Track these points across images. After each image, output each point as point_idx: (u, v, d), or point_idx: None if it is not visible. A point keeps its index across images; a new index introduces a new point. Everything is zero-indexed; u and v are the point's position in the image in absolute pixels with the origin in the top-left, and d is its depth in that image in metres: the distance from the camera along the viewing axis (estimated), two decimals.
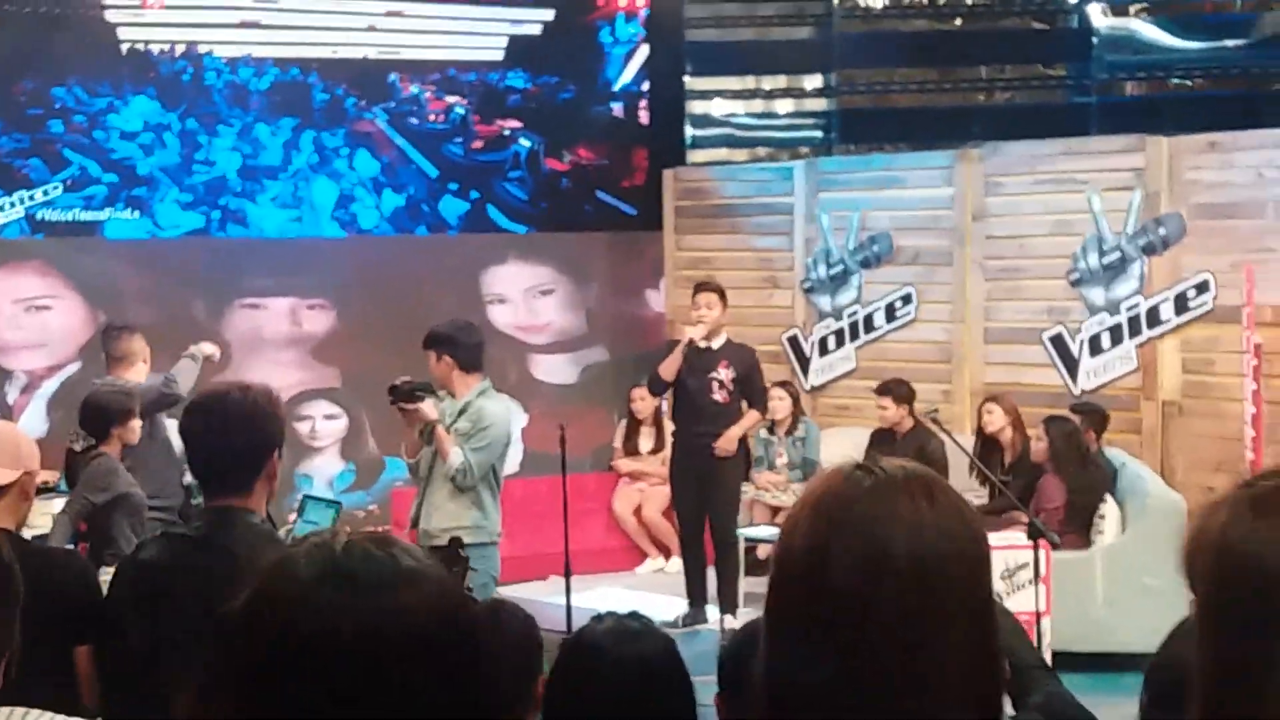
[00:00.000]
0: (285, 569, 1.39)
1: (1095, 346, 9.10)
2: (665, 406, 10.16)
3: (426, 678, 1.36)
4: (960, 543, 1.49)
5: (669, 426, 9.85)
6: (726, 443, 8.18)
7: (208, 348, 7.45)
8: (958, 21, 12.10)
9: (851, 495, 1.51)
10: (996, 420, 8.54)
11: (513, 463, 10.70)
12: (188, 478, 7.51)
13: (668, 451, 9.74)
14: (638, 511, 9.90)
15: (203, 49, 10.34)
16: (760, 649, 1.54)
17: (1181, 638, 2.29)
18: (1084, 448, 7.85)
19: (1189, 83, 11.70)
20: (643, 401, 9.89)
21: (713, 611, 8.32)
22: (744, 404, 8.36)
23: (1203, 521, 1.52)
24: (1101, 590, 7.37)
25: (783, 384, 9.70)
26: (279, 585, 1.39)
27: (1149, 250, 8.92)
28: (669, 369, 8.18)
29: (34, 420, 9.30)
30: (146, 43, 10.20)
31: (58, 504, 6.21)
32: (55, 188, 9.93)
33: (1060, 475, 7.70)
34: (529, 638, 3.10)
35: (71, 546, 5.62)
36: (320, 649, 1.34)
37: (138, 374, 7.14)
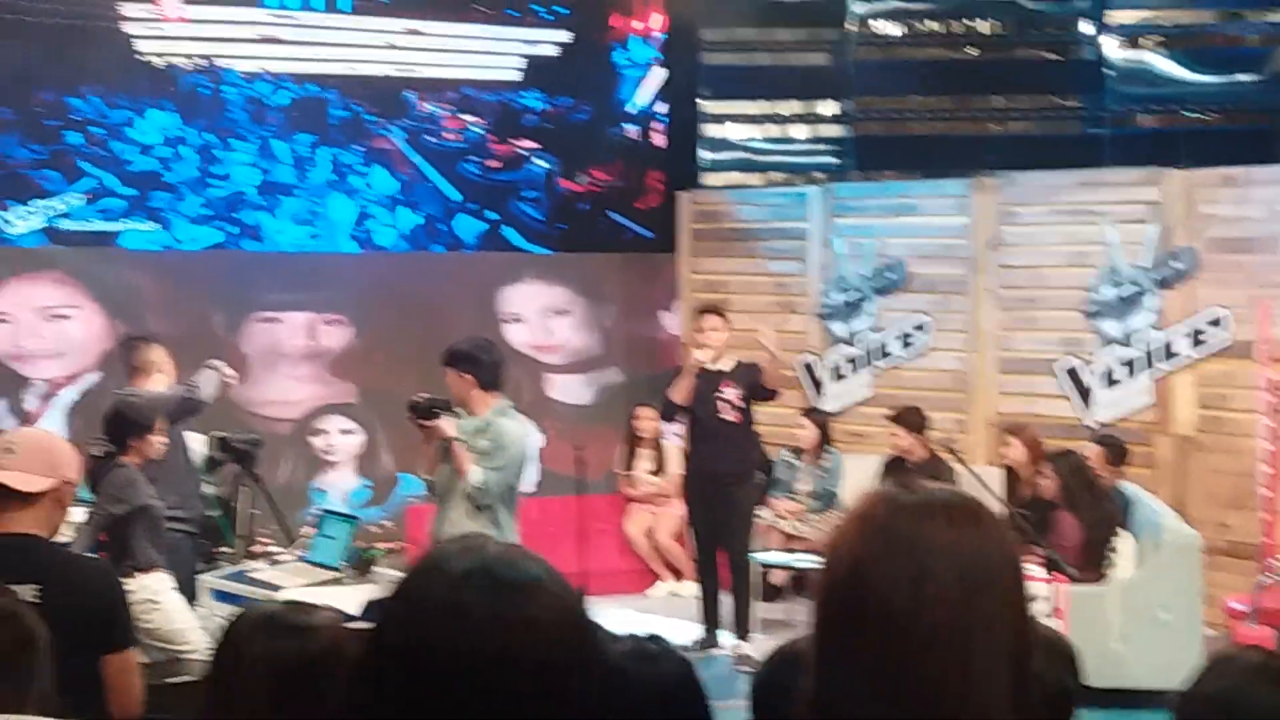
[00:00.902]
0: (436, 563, 1.44)
1: (1110, 379, 9.11)
2: (673, 430, 10.19)
3: (550, 686, 1.40)
4: (1002, 566, 1.52)
5: (671, 448, 9.88)
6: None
7: (227, 369, 7.46)
8: (973, 51, 12.13)
9: (896, 516, 1.54)
10: (1014, 453, 8.52)
11: (528, 482, 10.74)
12: (208, 489, 7.54)
13: (671, 472, 9.76)
14: (650, 534, 9.90)
15: (221, 63, 10.39)
16: (810, 661, 1.57)
17: (1214, 674, 2.31)
18: (1093, 482, 7.81)
19: (1203, 116, 11.73)
20: (648, 421, 9.90)
21: (726, 636, 8.30)
22: (754, 430, 8.35)
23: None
24: (1117, 625, 7.36)
25: (809, 412, 9.70)
26: (426, 578, 1.43)
27: (1164, 284, 8.93)
28: (680, 393, 8.18)
29: (52, 429, 9.29)
30: (165, 56, 10.24)
31: (79, 513, 6.22)
32: (74, 198, 9.96)
33: (1073, 512, 7.67)
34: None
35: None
36: (458, 647, 1.38)
37: (156, 384, 7.14)
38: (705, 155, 11.86)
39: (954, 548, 1.50)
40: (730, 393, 8.19)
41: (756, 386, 8.20)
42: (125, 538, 6.03)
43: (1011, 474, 8.61)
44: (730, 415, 8.17)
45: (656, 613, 8.68)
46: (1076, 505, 7.66)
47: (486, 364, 6.42)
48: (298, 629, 2.50)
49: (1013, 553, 1.56)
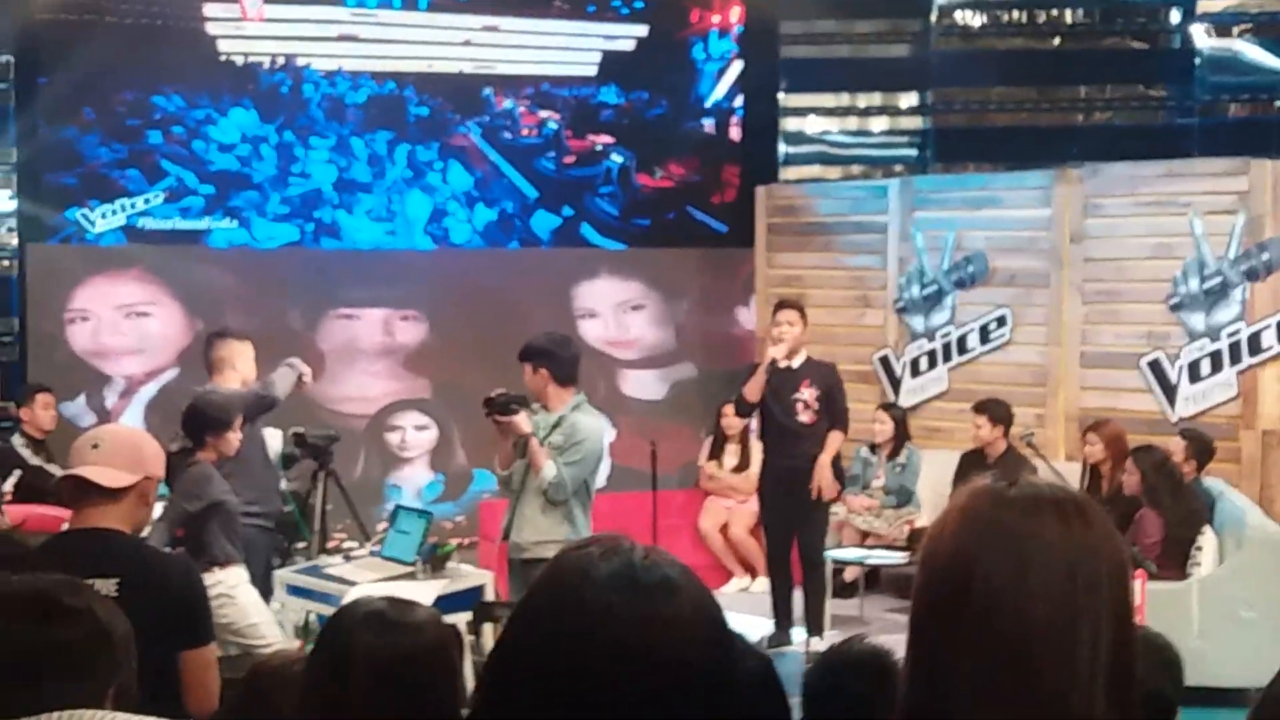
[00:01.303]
0: (581, 564, 1.47)
1: (1194, 373, 8.94)
2: (754, 425, 10.13)
3: (689, 686, 1.44)
4: (1108, 564, 1.51)
5: (755, 446, 9.82)
6: (825, 482, 8.05)
7: (304, 367, 7.51)
8: (1057, 41, 11.96)
9: (1001, 510, 1.53)
10: (1096, 451, 8.39)
11: (601, 477, 10.73)
12: (284, 484, 7.61)
13: (753, 470, 9.71)
14: (724, 530, 9.85)
15: (301, 62, 10.48)
16: (905, 651, 1.57)
17: None
18: (1177, 477, 7.67)
19: None
20: (733, 418, 9.86)
21: (798, 633, 8.24)
22: (829, 426, 8.27)
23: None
24: (1197, 622, 7.22)
25: (886, 407, 9.61)
26: (572, 579, 1.46)
27: (1251, 275, 8.75)
28: (754, 390, 8.11)
29: (132, 425, 9.44)
30: (245, 55, 10.35)
31: (157, 509, 6.29)
32: (155, 197, 10.10)
33: (1156, 508, 7.53)
34: None
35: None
36: (602, 648, 1.42)
37: (228, 380, 7.19)
38: (783, 149, 11.79)
39: (1060, 543, 1.49)
40: (808, 393, 8.12)
41: (834, 400, 8.13)
42: (201, 533, 6.10)
43: (1093, 470, 8.48)
44: (806, 416, 8.10)
45: (729, 609, 8.60)
46: (1160, 502, 7.52)
47: (563, 359, 6.42)
48: (405, 626, 2.53)
49: (1120, 551, 1.55)
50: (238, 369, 7.25)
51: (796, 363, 8.16)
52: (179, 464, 6.16)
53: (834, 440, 8.20)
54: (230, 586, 6.05)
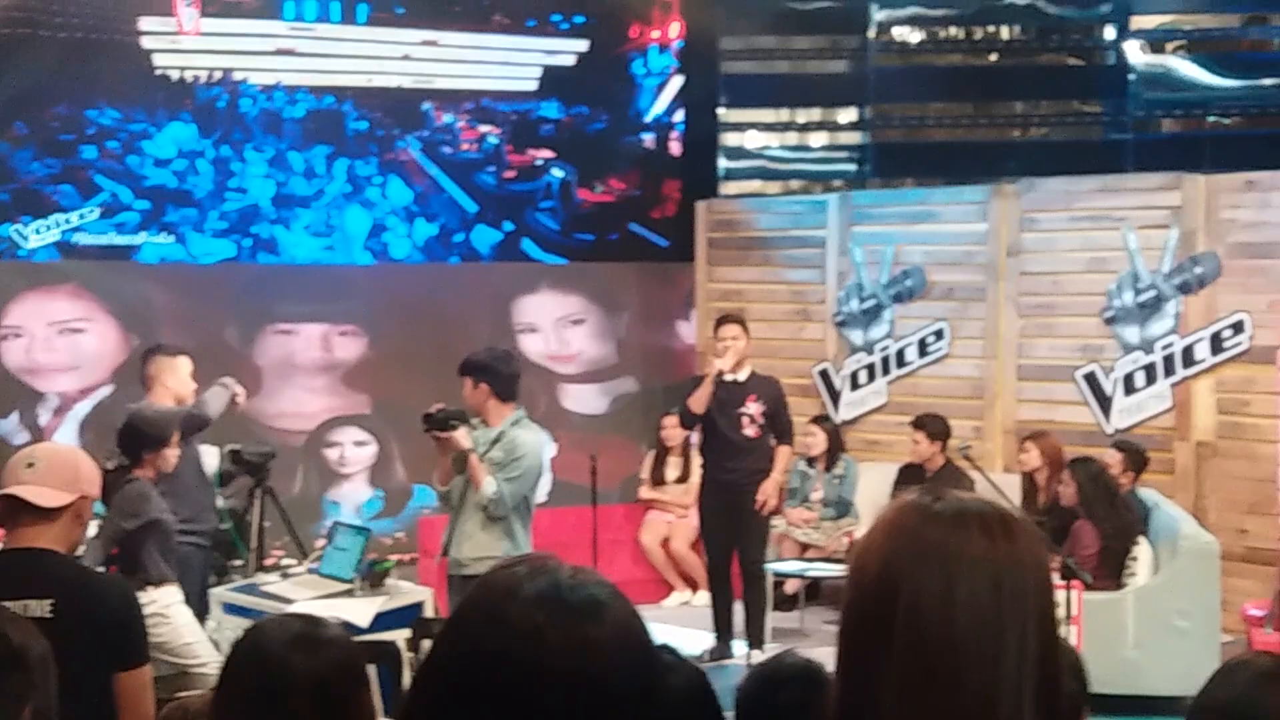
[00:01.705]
0: (508, 583, 1.45)
1: (1129, 385, 9.03)
2: (694, 439, 10.14)
3: (616, 707, 1.42)
4: (1034, 577, 1.52)
5: (696, 458, 9.83)
6: (770, 498, 8.18)
7: (238, 387, 7.46)
8: (993, 57, 12.08)
9: (928, 524, 1.53)
10: (1032, 460, 8.48)
11: (541, 493, 10.71)
12: (220, 501, 7.54)
13: (693, 482, 9.72)
14: (665, 543, 9.86)
15: (238, 76, 10.40)
16: (835, 664, 1.58)
17: (1224, 681, 2.27)
18: (1112, 489, 7.74)
19: (1226, 121, 11.65)
20: (673, 430, 9.87)
21: (739, 646, 8.25)
22: (772, 439, 8.30)
23: (1207, 685, 1.54)
24: (1132, 632, 7.29)
25: (818, 419, 9.65)
26: (498, 598, 1.45)
27: (1185, 289, 8.86)
28: (699, 402, 8.14)
29: (65, 443, 9.32)
30: (182, 69, 10.26)
31: (92, 527, 6.22)
32: (89, 212, 9.98)
33: (1092, 519, 7.60)
34: None
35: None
36: (530, 668, 1.40)
37: (161, 397, 7.15)
38: (723, 164, 11.84)
39: (985, 557, 1.50)
40: (754, 408, 8.16)
41: (779, 416, 8.18)
42: (136, 552, 6.05)
43: (1030, 481, 8.56)
44: (750, 430, 8.15)
45: (670, 623, 8.63)
46: (1095, 513, 7.58)
47: (503, 374, 6.41)
48: (332, 641, 2.54)
49: (1044, 562, 1.56)
50: (169, 386, 7.20)
51: (742, 376, 8.19)
52: (115, 482, 6.10)
53: (783, 455, 8.28)
54: (164, 606, 6.00)
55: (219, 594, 6.95)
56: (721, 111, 11.76)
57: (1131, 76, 11.51)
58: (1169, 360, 8.89)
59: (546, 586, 1.44)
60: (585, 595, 1.44)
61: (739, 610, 8.31)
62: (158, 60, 10.18)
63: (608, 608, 1.45)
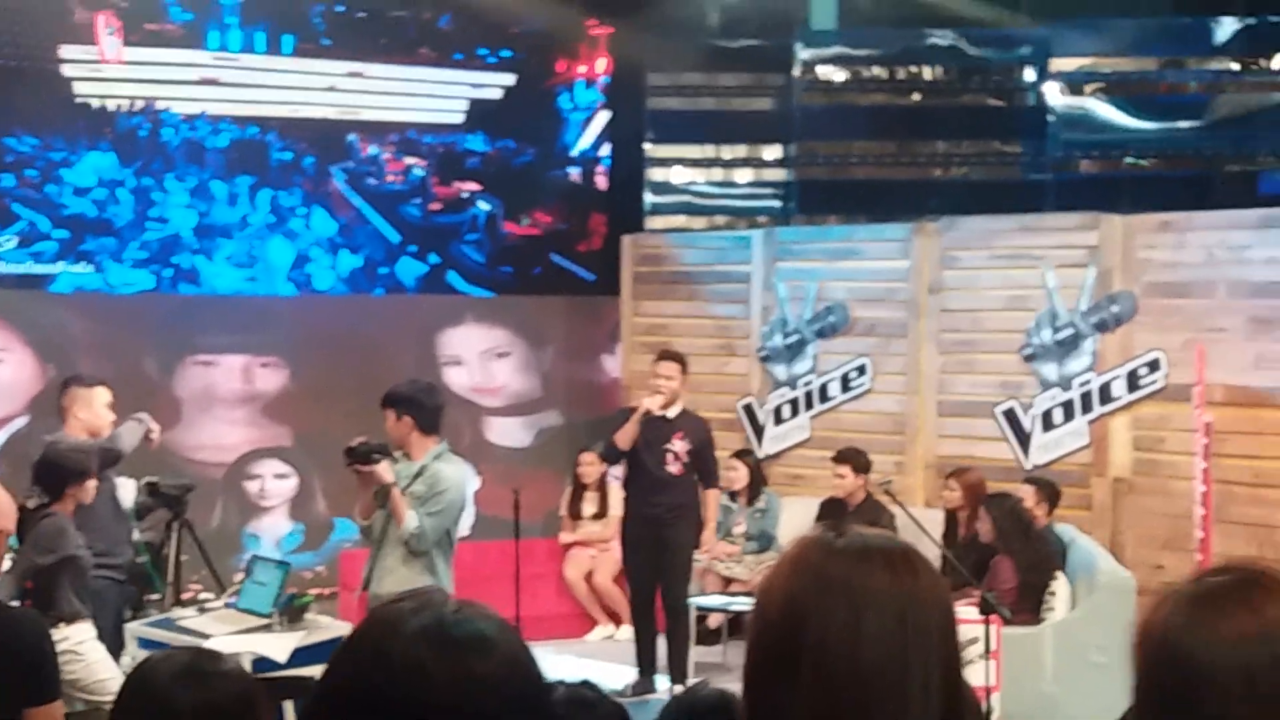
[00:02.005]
0: (391, 619, 1.44)
1: (1047, 422, 9.14)
2: (616, 473, 10.13)
3: None
4: (936, 610, 1.54)
5: (614, 492, 9.84)
6: (712, 547, 8.41)
7: (153, 423, 7.39)
8: (916, 97, 12.23)
9: (831, 560, 1.54)
10: (954, 498, 8.55)
11: (464, 526, 10.64)
12: (136, 535, 7.44)
13: (612, 516, 9.73)
14: (588, 578, 9.83)
15: (160, 105, 10.30)
16: (742, 699, 1.58)
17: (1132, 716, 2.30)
18: (1026, 523, 7.81)
19: (1143, 162, 11.86)
20: (590, 466, 9.87)
21: (662, 680, 8.24)
22: (695, 478, 8.32)
23: (1149, 613, 1.55)
24: (1050, 666, 7.36)
25: (740, 454, 9.69)
26: (382, 634, 1.44)
27: (1102, 327, 8.98)
28: (626, 438, 8.11)
29: None
30: (103, 98, 10.15)
31: (5, 560, 6.12)
32: (7, 241, 9.83)
33: (1009, 554, 7.68)
34: None
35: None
36: (413, 704, 1.38)
37: (74, 429, 7.09)
38: (650, 199, 11.89)
39: (889, 591, 1.51)
40: (680, 445, 8.17)
41: (705, 456, 8.21)
42: (50, 587, 5.97)
43: (952, 517, 8.63)
44: (675, 468, 8.15)
45: (593, 657, 8.62)
46: (1012, 547, 7.66)
47: (426, 407, 6.38)
48: (218, 675, 2.51)
49: (946, 597, 1.57)
50: (82, 418, 7.13)
51: (672, 413, 8.20)
52: (31, 517, 6.01)
53: (712, 500, 8.39)
54: (77, 643, 5.91)
55: (134, 629, 6.85)
56: (648, 147, 11.83)
57: (1051, 118, 11.71)
58: (1086, 397, 9.01)
59: (431, 621, 1.43)
60: (471, 630, 1.43)
61: (662, 644, 8.29)
62: (79, 89, 10.07)
63: (494, 642, 1.43)
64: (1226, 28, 11.62)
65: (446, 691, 1.38)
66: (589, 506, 9.99)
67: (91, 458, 6.48)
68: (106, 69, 10.12)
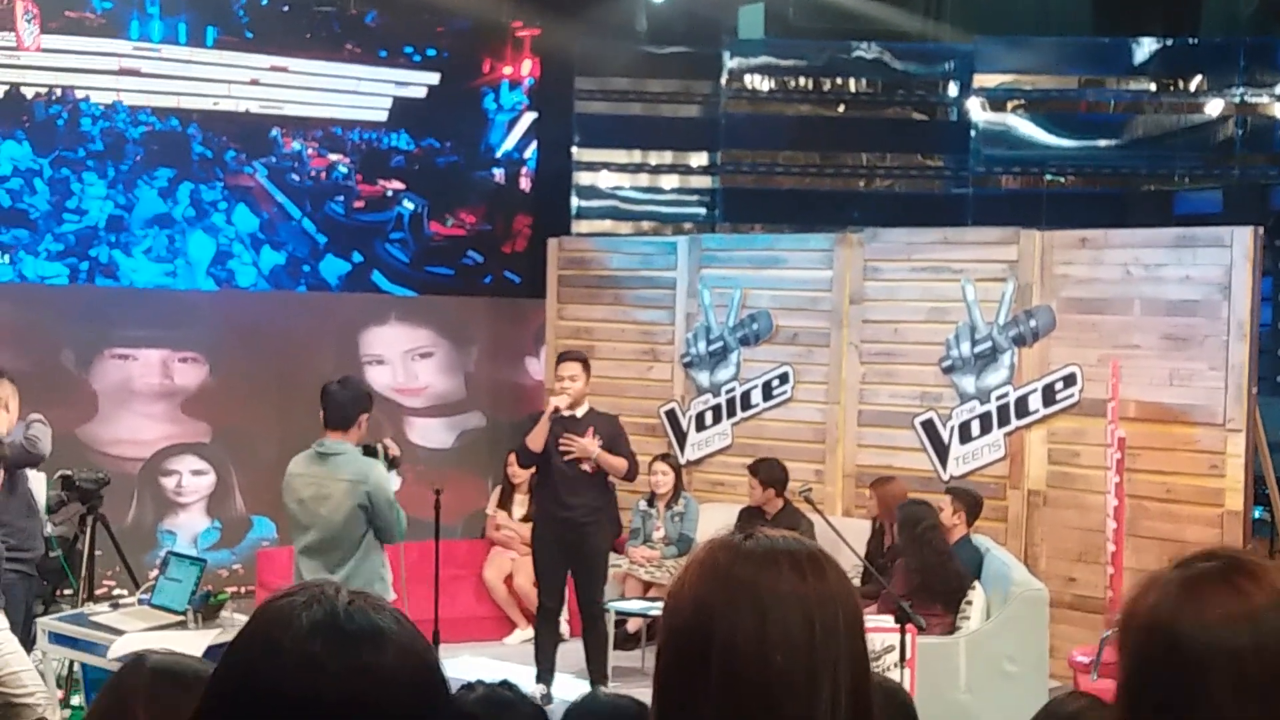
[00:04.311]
0: (283, 613, 1.42)
1: (965, 433, 9.25)
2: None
3: None
4: (844, 612, 1.54)
5: None
6: (587, 449, 7.92)
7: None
8: (841, 109, 12.33)
9: (738, 563, 1.54)
10: (872, 507, 8.63)
11: None
12: (49, 529, 7.32)
13: None
14: (508, 580, 9.80)
15: (79, 94, 10.14)
16: (652, 703, 1.57)
17: None
18: (920, 528, 7.74)
19: (1062, 179, 12.04)
20: (518, 467, 9.85)
21: (562, 686, 8.17)
22: (608, 478, 8.25)
23: (1136, 597, 1.57)
24: (964, 675, 7.43)
25: (664, 457, 9.70)
26: (272, 627, 1.41)
27: (1019, 341, 9.10)
28: (537, 440, 8.01)
29: None
30: (20, 85, 9.97)
31: None
32: None
33: (904, 562, 7.75)
34: None
35: None
36: (307, 698, 1.37)
37: None
38: (576, 202, 11.89)
39: (797, 594, 1.52)
40: (587, 441, 8.12)
41: (617, 445, 8.10)
42: None
43: (877, 525, 8.72)
44: (588, 465, 8.04)
45: (512, 660, 8.58)
46: (906, 555, 7.74)
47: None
48: (200, 679, 2.46)
49: (854, 600, 1.58)
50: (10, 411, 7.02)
51: (580, 412, 8.13)
52: None
53: (620, 462, 8.06)
54: None
55: (46, 623, 6.75)
56: (575, 151, 11.83)
57: (973, 133, 11.86)
58: (1003, 410, 9.13)
59: (322, 615, 1.41)
60: (365, 623, 1.42)
61: (579, 648, 8.24)
62: None
63: (389, 635, 1.42)
64: (1146, 48, 11.83)
65: (339, 685, 1.37)
66: (518, 508, 9.95)
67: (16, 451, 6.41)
68: (23, 56, 9.94)
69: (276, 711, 1.37)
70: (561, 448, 7.89)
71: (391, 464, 6.61)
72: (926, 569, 7.64)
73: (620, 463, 8.02)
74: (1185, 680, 1.50)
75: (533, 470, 8.32)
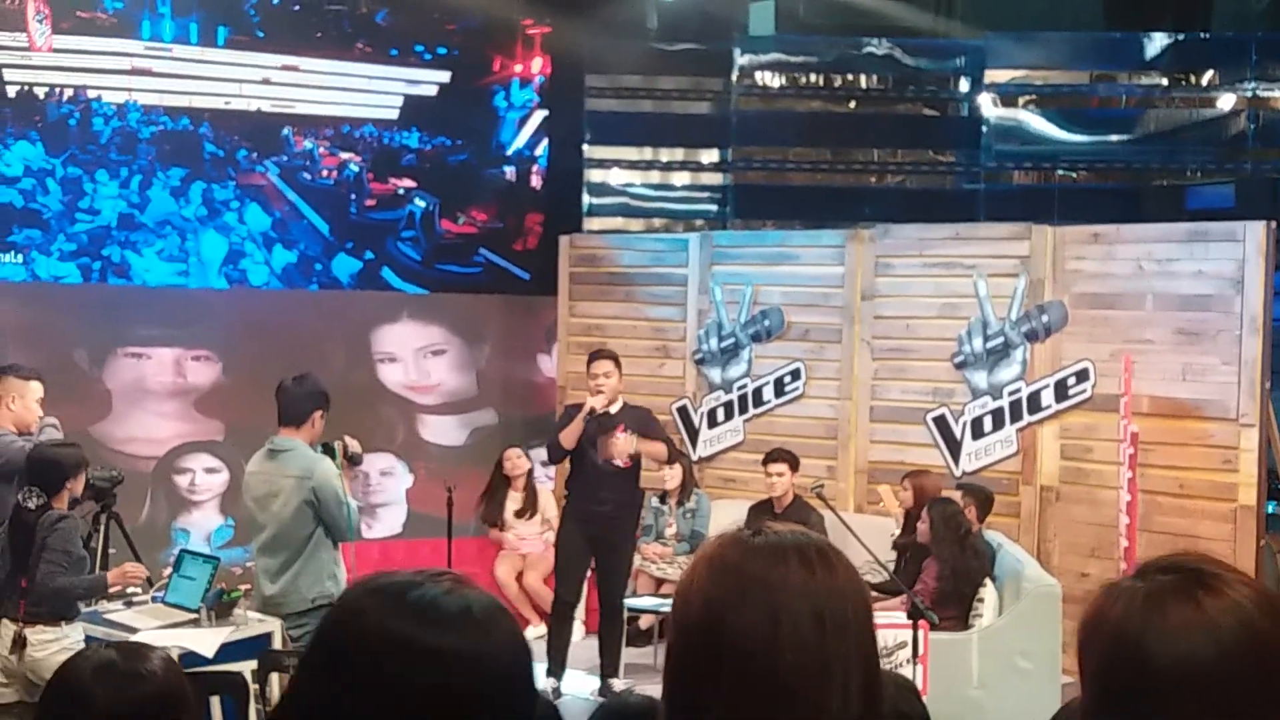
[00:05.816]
0: (379, 586, 1.45)
1: (977, 429, 9.24)
2: (549, 472, 10.12)
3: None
4: (854, 606, 1.55)
5: (543, 490, 9.83)
6: (625, 450, 7.95)
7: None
8: (852, 105, 12.33)
9: (748, 559, 1.55)
10: (906, 498, 8.52)
11: (396, 524, 10.61)
12: None
13: (540, 516, 9.72)
14: (519, 577, 9.81)
15: (91, 94, 10.17)
16: (663, 699, 1.58)
17: None
18: (963, 530, 7.87)
19: (1074, 174, 12.03)
20: (518, 461, 9.86)
21: (573, 681, 8.19)
22: (637, 476, 8.28)
23: (1099, 608, 1.56)
24: (976, 671, 7.42)
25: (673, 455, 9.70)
26: (365, 601, 1.44)
27: (1032, 336, 9.08)
28: (570, 437, 8.05)
29: None
30: (32, 85, 10.00)
31: None
32: None
33: (937, 557, 7.75)
34: None
35: None
36: (387, 674, 1.39)
37: (1, 419, 7.00)
38: (587, 200, 11.90)
39: (806, 588, 1.52)
40: (623, 437, 8.13)
41: (651, 431, 8.13)
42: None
43: (909, 516, 8.66)
44: (621, 460, 8.07)
45: None
46: (941, 552, 7.72)
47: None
48: (137, 675, 2.47)
49: (863, 594, 1.58)
50: (13, 409, 7.04)
51: (614, 409, 8.16)
52: (31, 517, 6.00)
53: (656, 445, 8.13)
54: (75, 641, 5.97)
55: None
56: (586, 148, 11.84)
57: (984, 128, 11.84)
58: (1015, 406, 9.11)
59: (421, 598, 1.44)
60: (461, 606, 1.45)
61: (594, 644, 8.26)
62: (7, 76, 9.91)
63: (483, 621, 1.45)
64: (1157, 43, 11.81)
65: (429, 667, 1.39)
66: (512, 504, 9.94)
67: (79, 452, 6.47)
68: (36, 56, 9.97)
69: (367, 692, 1.39)
70: (602, 458, 7.92)
71: (352, 460, 6.56)
72: (959, 574, 7.65)
73: (660, 447, 8.14)
74: (1148, 688, 1.50)
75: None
